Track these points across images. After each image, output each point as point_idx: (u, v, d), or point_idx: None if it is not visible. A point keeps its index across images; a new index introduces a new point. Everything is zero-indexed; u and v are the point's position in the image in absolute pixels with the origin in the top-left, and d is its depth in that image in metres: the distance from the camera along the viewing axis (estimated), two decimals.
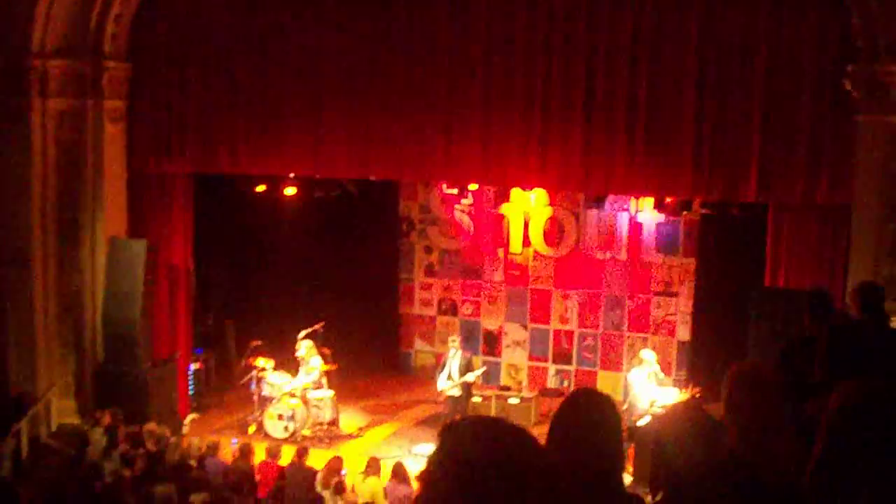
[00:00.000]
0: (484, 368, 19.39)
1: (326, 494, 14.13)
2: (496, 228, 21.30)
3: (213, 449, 15.14)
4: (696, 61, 15.36)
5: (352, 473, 15.05)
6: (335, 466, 14.67)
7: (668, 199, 18.28)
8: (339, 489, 14.22)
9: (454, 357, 18.01)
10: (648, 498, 5.02)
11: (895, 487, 3.67)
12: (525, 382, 20.82)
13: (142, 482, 13.20)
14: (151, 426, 15.37)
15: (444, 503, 2.50)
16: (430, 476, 2.56)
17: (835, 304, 8.84)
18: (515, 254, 21.25)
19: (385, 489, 14.42)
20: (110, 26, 17.03)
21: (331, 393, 18.31)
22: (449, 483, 2.49)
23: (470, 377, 17.98)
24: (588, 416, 4.03)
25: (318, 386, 18.26)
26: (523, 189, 19.84)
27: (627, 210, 20.14)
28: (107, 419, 15.69)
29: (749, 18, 15.07)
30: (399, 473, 14.58)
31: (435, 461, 2.56)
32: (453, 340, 18.48)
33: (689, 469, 4.54)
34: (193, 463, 14.42)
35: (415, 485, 13.92)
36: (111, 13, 16.96)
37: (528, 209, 20.99)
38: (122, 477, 13.43)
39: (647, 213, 19.84)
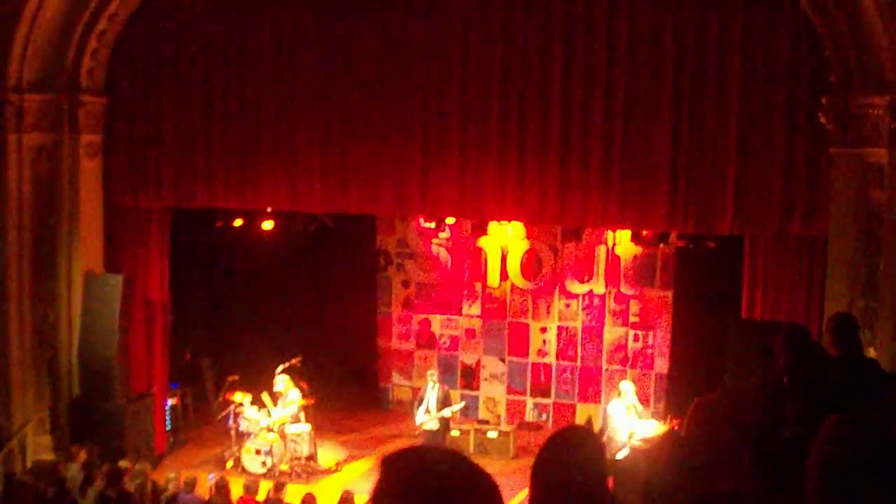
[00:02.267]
0: (463, 404, 19.35)
1: None
2: (473, 262, 21.30)
3: (191, 485, 15.04)
4: (670, 95, 15.43)
5: None
6: (309, 503, 14.61)
7: (645, 232, 18.34)
8: None
9: (432, 390, 18.02)
10: None
11: None
12: (503, 416, 20.79)
13: None
14: (125, 463, 15.29)
15: None
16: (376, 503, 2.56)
17: (811, 339, 8.85)
18: (493, 287, 21.25)
19: None
20: (87, 61, 17.04)
21: (308, 427, 18.24)
22: None
23: (447, 412, 17.97)
24: (572, 455, 4.01)
25: (296, 420, 18.19)
26: (500, 222, 19.87)
27: (604, 243, 20.17)
28: (82, 455, 15.58)
29: (723, 51, 15.17)
30: None
31: (378, 491, 2.56)
32: (431, 374, 18.50)
33: (663, 501, 4.54)
34: (165, 500, 14.29)
35: None
36: (88, 48, 16.97)
37: (505, 242, 21.01)
38: None
39: (623, 245, 19.89)
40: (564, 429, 4.31)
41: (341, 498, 14.87)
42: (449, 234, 21.24)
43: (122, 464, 15.36)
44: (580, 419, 19.90)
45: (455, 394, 20.21)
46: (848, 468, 3.89)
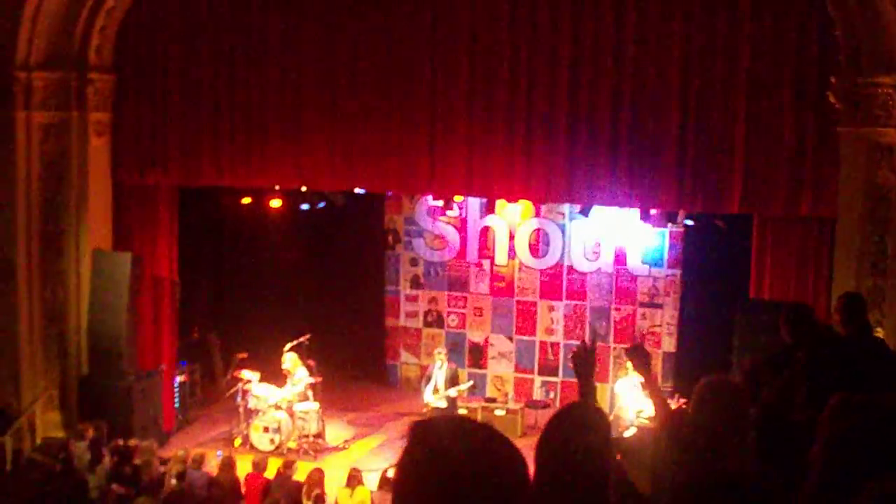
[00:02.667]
0: (471, 383, 19.34)
1: None
2: (482, 240, 21.30)
3: (199, 462, 15.09)
4: (679, 73, 15.40)
5: (335, 486, 15.03)
6: (316, 478, 14.66)
7: (653, 211, 18.32)
8: (318, 501, 14.21)
9: (440, 369, 18.06)
10: None
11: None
12: (511, 394, 20.79)
13: (124, 496, 13.17)
14: (134, 440, 15.36)
15: (419, 498, 2.49)
16: (403, 471, 2.55)
17: (817, 318, 8.85)
18: (501, 266, 21.25)
19: (372, 499, 14.40)
20: (95, 38, 17.00)
21: (316, 405, 18.28)
22: (422, 477, 2.49)
23: (454, 392, 18.02)
24: (575, 431, 4.02)
25: (304, 398, 18.23)
26: (509, 201, 19.84)
27: (613, 221, 20.14)
28: (91, 433, 15.63)
29: (732, 31, 15.11)
30: (387, 483, 14.57)
31: (407, 457, 2.55)
32: (439, 353, 18.54)
33: (678, 481, 4.55)
34: (174, 480, 14.34)
35: None
36: (96, 25, 16.94)
37: (513, 221, 21.00)
38: (109, 492, 13.38)
39: (632, 224, 19.86)
40: (568, 405, 4.32)
41: (349, 475, 14.92)
42: (457, 213, 21.21)
43: (131, 441, 15.42)
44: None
45: (463, 372, 20.23)
46: (851, 446, 3.90)
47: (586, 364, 5.25)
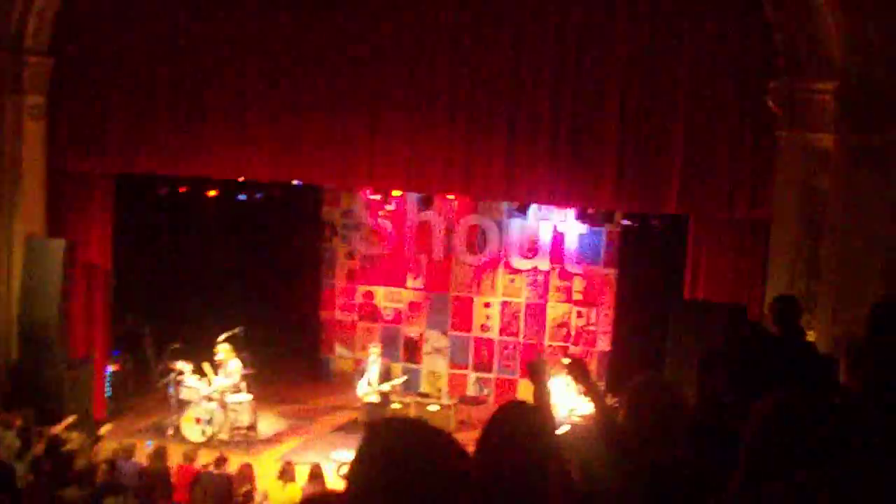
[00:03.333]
0: (405, 378, 19.38)
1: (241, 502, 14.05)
2: (419, 235, 21.30)
3: (129, 451, 14.96)
4: (619, 73, 15.48)
5: (267, 478, 14.98)
6: (246, 474, 14.60)
7: (591, 210, 18.41)
8: (248, 497, 14.16)
9: (374, 364, 18.05)
10: None
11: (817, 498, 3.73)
12: (445, 390, 20.84)
13: (51, 486, 13.01)
14: (58, 429, 15.18)
15: (369, 500, 2.52)
16: (354, 474, 2.58)
17: (753, 319, 8.95)
18: (438, 261, 21.27)
19: (303, 491, 14.36)
20: (33, 21, 16.77)
21: (249, 397, 18.19)
22: (373, 480, 2.52)
23: (387, 386, 18.03)
24: (517, 430, 4.03)
25: (237, 390, 18.13)
26: (447, 196, 19.87)
27: (550, 220, 20.22)
28: (18, 421, 15.42)
29: (672, 32, 15.22)
30: (317, 475, 14.54)
31: (359, 459, 2.59)
32: (373, 348, 18.55)
33: (602, 477, 4.59)
34: (104, 466, 14.19)
35: (333, 487, 13.90)
36: (34, 7, 16.70)
37: (451, 217, 21.02)
38: (35, 481, 13.21)
39: (569, 223, 19.95)
40: (509, 403, 4.32)
41: (282, 469, 14.87)
42: (395, 207, 21.21)
43: (60, 429, 15.24)
44: (522, 394, 19.98)
45: (397, 367, 20.28)
46: (777, 443, 3.96)
47: (541, 373, 5.41)
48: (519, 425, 4.06)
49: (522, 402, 4.52)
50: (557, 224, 20.21)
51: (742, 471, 4.05)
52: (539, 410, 4.27)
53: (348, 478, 2.62)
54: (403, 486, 2.48)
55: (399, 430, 2.65)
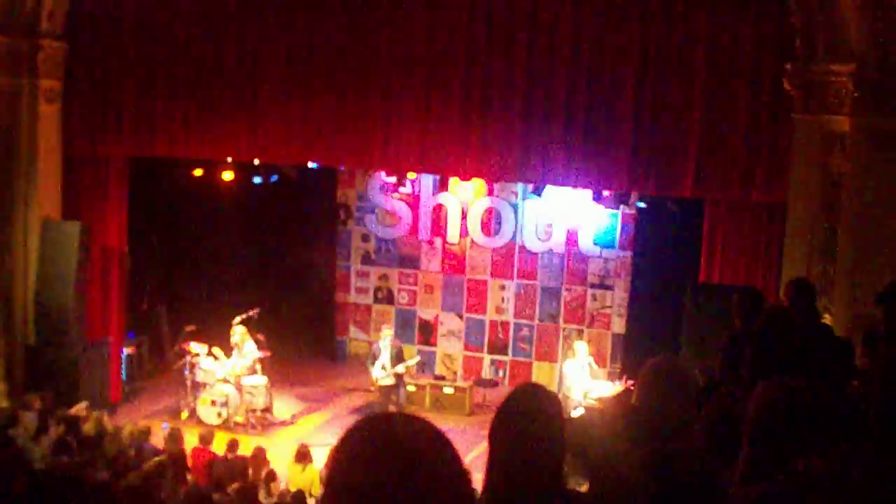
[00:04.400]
0: (418, 359, 19.38)
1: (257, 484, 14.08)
2: (434, 217, 21.30)
3: (145, 434, 15.00)
4: (635, 56, 15.42)
5: (283, 461, 15.02)
6: (260, 456, 14.62)
7: (606, 192, 18.37)
8: (270, 478, 14.19)
9: (386, 347, 18.04)
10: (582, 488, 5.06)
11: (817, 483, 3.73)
12: (460, 372, 20.86)
13: (78, 468, 13.05)
14: (82, 406, 15.25)
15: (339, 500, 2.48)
16: (328, 472, 2.56)
17: (767, 302, 8.90)
18: (453, 243, 21.27)
19: (321, 475, 14.39)
20: (47, 4, 16.76)
21: (264, 380, 18.22)
22: (343, 480, 2.49)
23: (401, 368, 18.02)
24: (531, 412, 4.02)
25: (252, 372, 18.17)
26: (462, 179, 19.86)
27: (565, 202, 20.18)
28: (37, 403, 15.49)
29: (689, 16, 15.15)
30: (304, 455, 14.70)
31: (332, 457, 2.55)
32: (386, 330, 18.52)
33: (615, 461, 4.58)
34: (132, 452, 14.24)
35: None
36: None
37: (466, 199, 21.01)
38: (56, 462, 13.25)
39: (584, 205, 19.91)
40: (522, 386, 4.32)
41: (298, 451, 14.90)
42: (410, 189, 21.20)
43: (79, 411, 15.29)
44: (536, 377, 20.00)
45: (412, 349, 20.28)
46: (772, 429, 3.96)
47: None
48: (535, 407, 4.04)
49: (536, 384, 4.51)
50: (572, 206, 20.16)
51: (745, 458, 4.05)
52: (552, 394, 4.24)
53: (325, 477, 2.59)
54: (371, 489, 2.42)
55: (378, 430, 2.56)
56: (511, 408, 4.02)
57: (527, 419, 3.95)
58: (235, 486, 13.22)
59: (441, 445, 2.52)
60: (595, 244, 20.40)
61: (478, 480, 3.26)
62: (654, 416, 4.98)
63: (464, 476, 2.54)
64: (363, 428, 2.57)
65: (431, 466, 2.46)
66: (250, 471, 14.38)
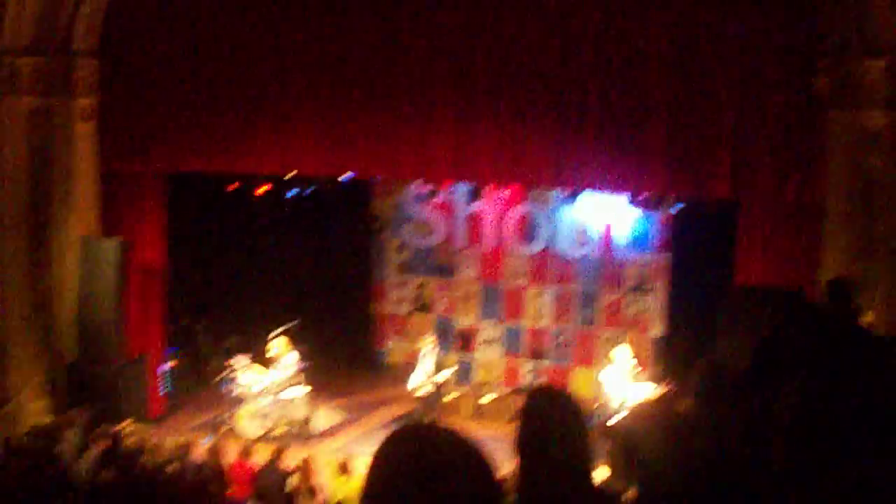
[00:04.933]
0: (455, 367, 19.36)
1: (300, 496, 14.13)
2: (469, 226, 21.28)
3: (185, 448, 15.06)
4: (667, 58, 15.40)
5: (325, 472, 15.03)
6: (306, 468, 14.66)
7: (642, 196, 18.31)
8: (313, 492, 14.22)
9: (427, 356, 18.03)
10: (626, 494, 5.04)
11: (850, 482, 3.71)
12: (499, 380, 20.81)
13: (119, 484, 13.14)
14: (127, 422, 15.36)
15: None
16: (366, 481, 2.59)
17: (808, 302, 8.87)
18: (489, 251, 21.24)
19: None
20: (81, 23, 16.93)
21: (304, 391, 18.24)
22: (380, 488, 2.52)
23: (440, 377, 18.01)
24: (549, 417, 4.00)
25: (294, 383, 18.19)
26: (496, 186, 19.84)
27: (600, 206, 20.11)
28: (80, 419, 15.60)
29: (721, 15, 15.11)
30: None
31: (372, 465, 2.58)
32: (427, 339, 18.51)
33: (659, 465, 4.56)
34: (174, 466, 14.31)
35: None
36: (82, 10, 16.86)
37: (500, 206, 20.98)
38: (99, 478, 13.34)
39: (620, 209, 19.83)
40: (536, 390, 4.29)
41: (340, 463, 14.90)
42: (445, 198, 21.20)
43: (124, 427, 15.39)
44: (575, 383, 19.93)
45: (451, 358, 20.25)
46: (802, 430, 3.94)
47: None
48: (551, 413, 4.02)
49: (548, 389, 4.49)
50: (608, 210, 20.09)
51: (781, 457, 4.03)
52: (568, 395, 4.20)
53: (363, 485, 2.62)
54: (402, 502, 2.45)
55: (410, 443, 2.60)
56: (527, 414, 4.01)
57: (543, 422, 3.94)
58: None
59: (472, 457, 2.54)
60: (631, 248, 20.31)
61: None
62: (702, 422, 4.96)
63: (494, 489, 2.55)
64: (396, 441, 2.60)
65: (461, 479, 2.47)
66: (297, 481, 14.40)
